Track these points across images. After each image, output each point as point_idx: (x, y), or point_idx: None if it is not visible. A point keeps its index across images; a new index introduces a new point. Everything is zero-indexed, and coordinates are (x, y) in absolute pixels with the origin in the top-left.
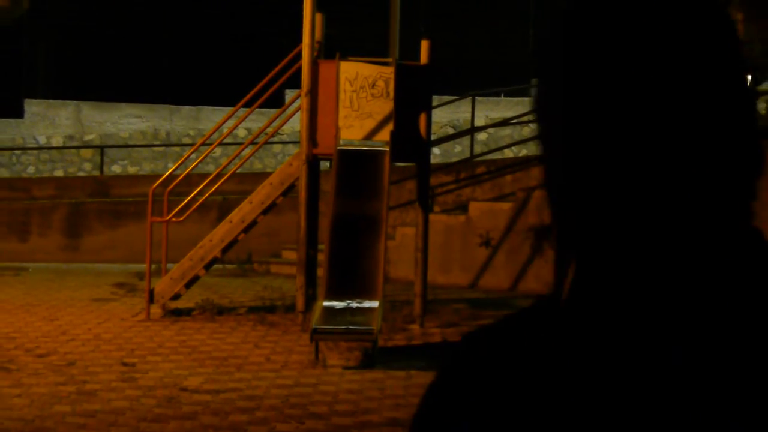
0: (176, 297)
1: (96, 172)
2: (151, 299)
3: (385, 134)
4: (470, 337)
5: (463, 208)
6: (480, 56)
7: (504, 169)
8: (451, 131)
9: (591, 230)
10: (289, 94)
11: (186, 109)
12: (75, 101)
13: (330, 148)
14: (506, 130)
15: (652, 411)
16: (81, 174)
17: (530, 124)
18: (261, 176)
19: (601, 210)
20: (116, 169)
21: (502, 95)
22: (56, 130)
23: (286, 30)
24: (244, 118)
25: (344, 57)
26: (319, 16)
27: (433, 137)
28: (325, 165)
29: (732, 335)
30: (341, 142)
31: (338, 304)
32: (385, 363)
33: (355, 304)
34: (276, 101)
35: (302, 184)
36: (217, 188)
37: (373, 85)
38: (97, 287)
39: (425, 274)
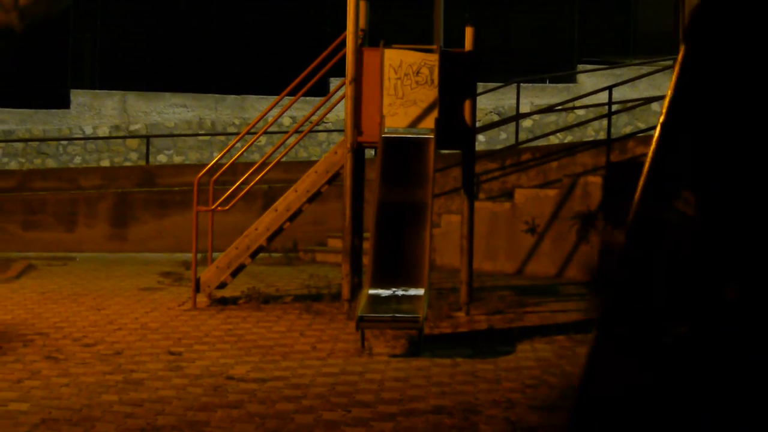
0: (222, 286)
1: (142, 162)
2: (197, 288)
3: (429, 122)
4: None
5: (508, 195)
6: (524, 43)
7: (549, 155)
8: (496, 118)
9: None
10: (334, 83)
11: (231, 98)
12: (121, 91)
13: (375, 136)
14: (551, 117)
15: None
16: (127, 164)
17: (575, 111)
18: (306, 165)
19: None
20: (162, 158)
21: (547, 82)
22: (102, 120)
23: (331, 18)
24: (289, 107)
25: (388, 45)
26: (363, 4)
27: (477, 124)
28: (369, 153)
29: None
30: (386, 129)
31: (384, 292)
32: (431, 351)
33: (400, 292)
34: (321, 89)
35: (347, 172)
36: (262, 177)
37: (418, 73)
38: (143, 276)
39: (471, 261)
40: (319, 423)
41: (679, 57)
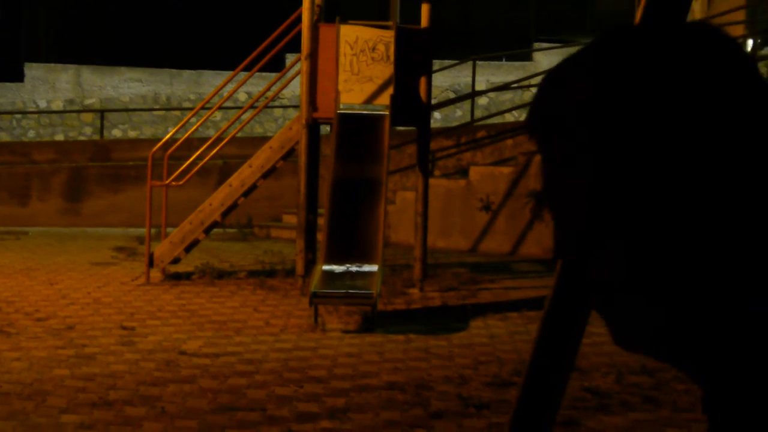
0: (176, 261)
1: (96, 137)
2: (150, 263)
3: (385, 98)
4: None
5: (463, 172)
6: (481, 20)
7: (504, 133)
8: (452, 95)
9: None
10: (290, 58)
11: (186, 73)
12: (75, 65)
13: (330, 112)
14: (507, 95)
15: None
16: (81, 138)
17: (531, 89)
18: (261, 140)
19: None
20: (117, 133)
21: (503, 59)
22: (56, 94)
23: None
24: (244, 82)
25: (344, 20)
26: None
27: (433, 101)
28: (325, 129)
29: None
30: (341, 106)
31: (338, 268)
32: (385, 327)
33: (354, 268)
34: (276, 65)
35: (302, 148)
36: (217, 152)
37: (374, 49)
38: (97, 251)
39: (425, 238)
40: (271, 398)
41: None
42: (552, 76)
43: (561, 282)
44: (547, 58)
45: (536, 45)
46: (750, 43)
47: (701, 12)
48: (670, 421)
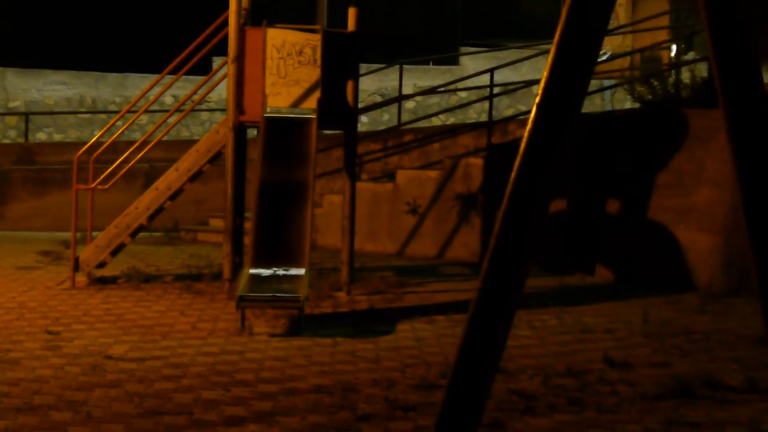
0: (102, 265)
1: (21, 140)
2: (76, 267)
3: (312, 102)
4: None
5: (390, 176)
6: (408, 25)
7: (431, 137)
8: (378, 99)
9: None
10: (216, 61)
11: (112, 76)
12: None
13: (257, 116)
14: (434, 99)
15: None
16: (5, 141)
17: (458, 93)
18: (188, 144)
19: None
20: (42, 136)
21: (430, 63)
22: None
23: None
24: (170, 85)
25: (271, 24)
26: None
27: (360, 105)
28: (252, 133)
29: None
30: (268, 109)
31: (265, 272)
32: (312, 330)
33: (281, 272)
34: (203, 68)
35: (229, 152)
36: (143, 156)
37: (301, 53)
38: (21, 255)
39: (352, 241)
40: (198, 402)
41: (555, 39)
42: None
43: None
44: (473, 62)
45: (463, 49)
46: (674, 48)
47: (626, 17)
48: (595, 422)
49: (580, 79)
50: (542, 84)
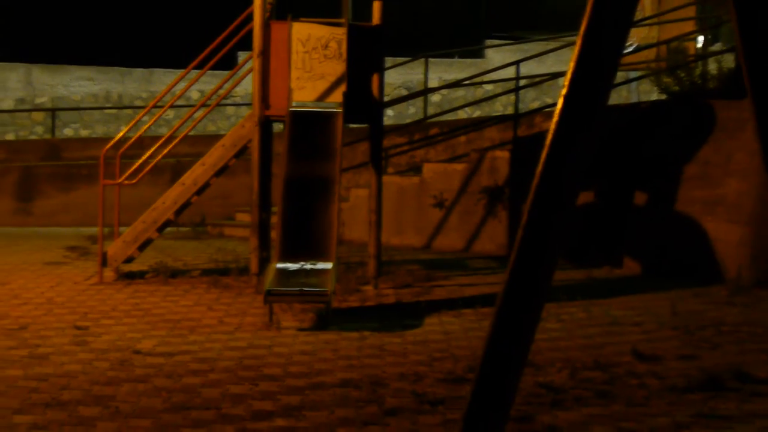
0: (129, 260)
1: (48, 136)
2: (104, 262)
3: (337, 95)
4: None
5: (416, 169)
6: (433, 18)
7: (457, 130)
8: (404, 93)
9: None
10: (242, 56)
11: (138, 72)
12: (25, 64)
13: (282, 110)
14: (459, 92)
15: None
16: (33, 137)
17: (483, 86)
18: (214, 138)
19: None
20: (68, 132)
21: (456, 56)
22: (7, 93)
23: None
24: (196, 80)
25: (296, 18)
26: None
27: (386, 99)
28: (278, 127)
29: None
30: (294, 103)
31: (292, 266)
32: (339, 324)
33: (308, 266)
34: (228, 63)
35: (255, 146)
36: (169, 151)
37: (326, 47)
38: (49, 251)
39: (379, 235)
40: (226, 397)
41: (581, 31)
42: None
43: (513, 278)
44: (499, 55)
45: (488, 42)
46: (700, 39)
47: (652, 8)
48: (624, 416)
49: (607, 71)
50: (568, 76)
